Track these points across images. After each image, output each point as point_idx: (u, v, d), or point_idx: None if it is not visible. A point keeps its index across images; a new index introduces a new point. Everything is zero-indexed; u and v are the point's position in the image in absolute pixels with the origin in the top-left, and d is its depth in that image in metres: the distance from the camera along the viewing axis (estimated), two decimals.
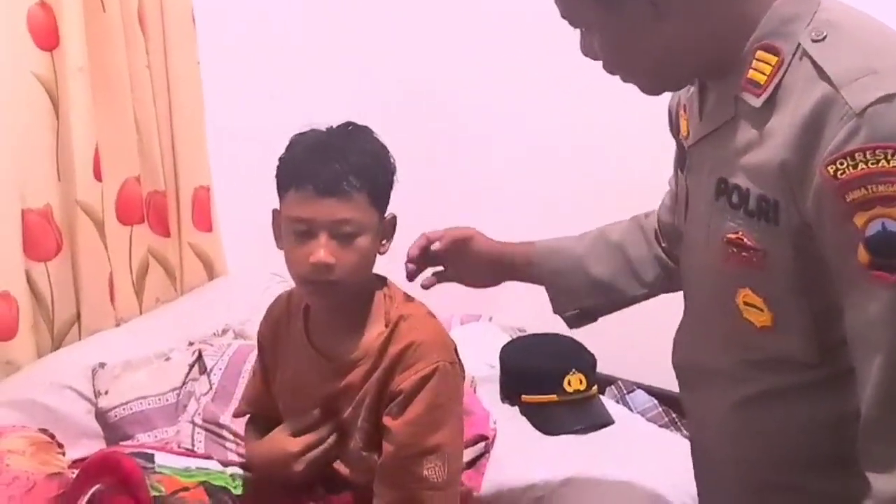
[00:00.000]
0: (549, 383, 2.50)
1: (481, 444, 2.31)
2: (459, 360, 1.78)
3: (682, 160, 1.38)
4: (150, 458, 1.97)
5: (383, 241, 1.74)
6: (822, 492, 1.24)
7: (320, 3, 3.38)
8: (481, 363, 2.66)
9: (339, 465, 1.79)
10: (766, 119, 1.16)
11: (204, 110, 3.00)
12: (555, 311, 1.83)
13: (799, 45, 1.15)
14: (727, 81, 1.23)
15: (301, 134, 1.71)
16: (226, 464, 2.12)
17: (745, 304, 1.24)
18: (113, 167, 2.75)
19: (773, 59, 1.16)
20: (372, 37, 3.45)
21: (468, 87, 3.26)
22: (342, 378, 1.74)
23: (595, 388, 2.55)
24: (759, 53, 1.18)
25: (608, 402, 2.59)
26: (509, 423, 2.47)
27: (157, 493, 1.81)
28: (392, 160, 1.72)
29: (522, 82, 3.13)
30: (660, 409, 2.65)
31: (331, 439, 1.77)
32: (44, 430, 2.22)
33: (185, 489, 1.87)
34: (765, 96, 1.16)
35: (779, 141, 1.13)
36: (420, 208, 3.02)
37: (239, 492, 1.92)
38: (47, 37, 2.56)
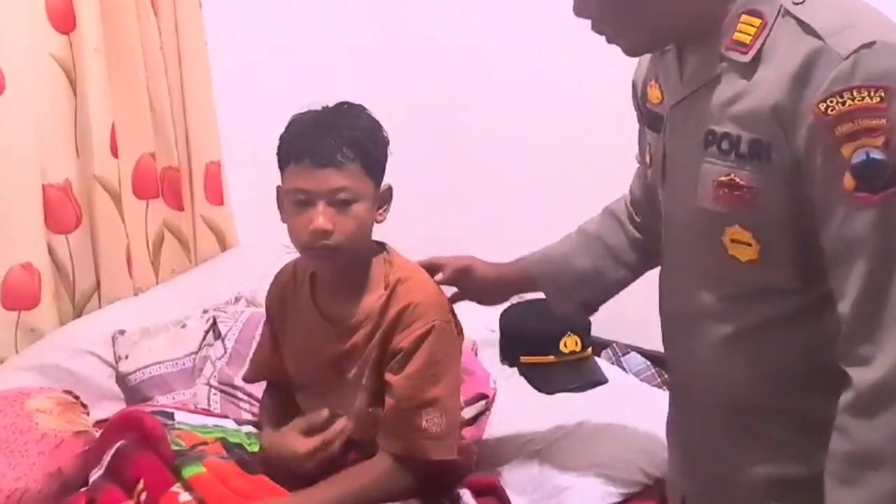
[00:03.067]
0: (546, 345, 2.60)
1: (482, 402, 2.40)
2: (456, 319, 1.88)
3: (655, 125, 1.49)
4: (171, 416, 2.06)
5: (380, 210, 1.84)
6: (805, 411, 1.35)
7: None
8: (482, 327, 2.74)
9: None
10: (754, 71, 1.28)
11: (212, 89, 3.08)
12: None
13: (781, 6, 1.27)
14: (710, 44, 1.34)
15: (299, 113, 1.81)
16: (241, 423, 2.20)
17: (732, 241, 1.34)
18: (129, 144, 2.85)
19: (757, 22, 1.29)
20: (378, 15, 3.51)
21: (479, 81, 3.30)
22: (347, 340, 1.85)
23: (590, 349, 2.65)
24: (744, 17, 1.30)
25: (603, 364, 2.67)
26: (508, 383, 2.57)
27: (177, 448, 1.90)
28: (385, 134, 1.82)
29: (530, 82, 3.17)
30: (653, 370, 2.72)
31: (342, 437, 1.85)
32: (68, 392, 2.32)
33: (204, 443, 1.95)
34: (752, 53, 1.29)
35: (769, 88, 1.26)
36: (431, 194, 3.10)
37: (254, 449, 2.00)
38: (64, 20, 2.65)
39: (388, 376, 1.80)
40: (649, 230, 1.74)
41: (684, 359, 1.54)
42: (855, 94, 1.18)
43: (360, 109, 1.83)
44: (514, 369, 2.65)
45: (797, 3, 1.26)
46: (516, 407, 2.43)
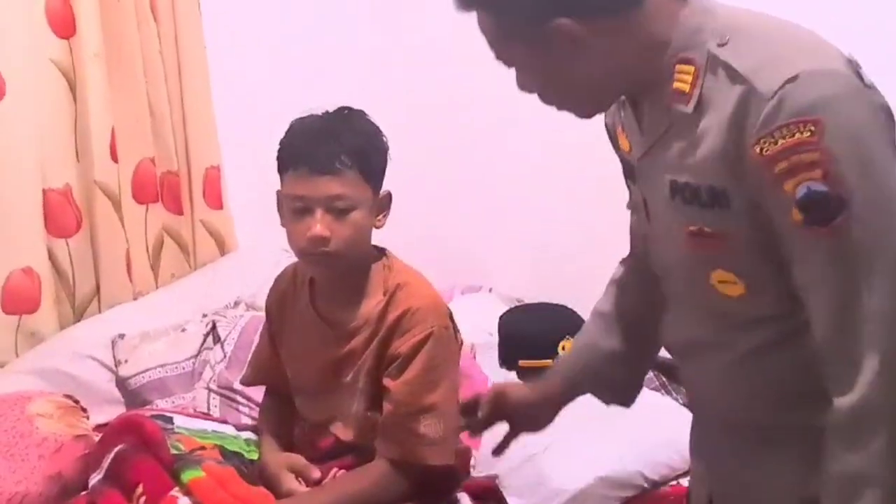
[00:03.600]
0: (545, 348, 2.58)
1: None
2: (455, 325, 1.88)
3: (631, 174, 1.50)
4: (170, 420, 2.06)
5: (379, 216, 1.84)
6: (810, 425, 1.33)
7: None
8: (481, 331, 2.75)
9: (341, 431, 1.88)
10: (699, 122, 1.29)
11: (211, 94, 3.10)
12: (608, 404, 1.82)
13: (707, 51, 1.28)
14: (656, 95, 1.35)
15: (299, 119, 1.81)
16: (240, 427, 2.21)
17: (719, 282, 1.36)
18: (128, 149, 2.86)
19: (691, 69, 1.29)
20: (378, 19, 3.51)
21: (479, 82, 3.26)
22: (345, 344, 1.85)
23: None
24: (678, 66, 1.30)
25: None
26: None
27: (177, 452, 1.90)
28: (384, 140, 1.82)
29: None
30: (651, 373, 2.73)
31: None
32: (68, 396, 2.33)
33: (203, 448, 1.95)
34: (693, 103, 1.29)
35: (713, 136, 1.26)
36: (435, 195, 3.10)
37: (253, 457, 2.00)
38: (65, 25, 2.67)
39: (387, 381, 1.81)
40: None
41: (693, 382, 1.56)
42: (785, 131, 1.18)
43: (359, 115, 1.83)
44: (513, 373, 2.65)
45: (721, 45, 1.27)
46: None
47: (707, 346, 1.44)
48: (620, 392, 1.80)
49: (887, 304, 1.20)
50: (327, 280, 1.88)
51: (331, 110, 1.82)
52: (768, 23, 1.31)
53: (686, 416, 2.32)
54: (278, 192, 1.83)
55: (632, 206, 1.63)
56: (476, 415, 1.76)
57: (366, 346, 1.83)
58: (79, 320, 2.79)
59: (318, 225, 1.73)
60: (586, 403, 2.39)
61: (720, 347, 1.42)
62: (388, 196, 1.85)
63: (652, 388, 2.64)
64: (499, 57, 1.37)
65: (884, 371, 1.20)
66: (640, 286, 1.73)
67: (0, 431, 2.10)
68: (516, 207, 3.28)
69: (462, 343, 1.96)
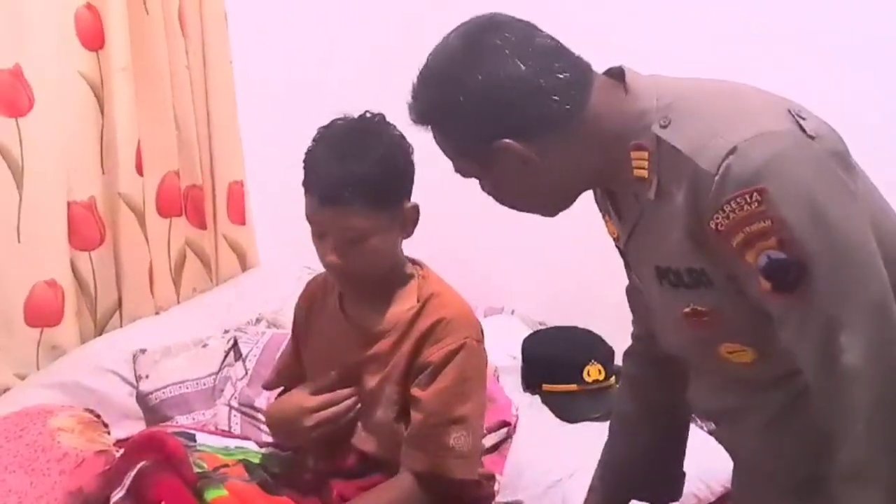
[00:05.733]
0: (570, 373, 2.58)
1: (504, 430, 2.39)
2: (483, 341, 1.85)
3: (624, 259, 1.50)
4: (192, 437, 2.06)
5: (406, 229, 1.79)
6: None
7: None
8: (504, 354, 2.72)
9: (362, 441, 1.86)
10: (663, 206, 1.29)
11: (237, 109, 3.10)
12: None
13: (654, 135, 1.28)
14: (622, 183, 1.35)
15: (325, 127, 1.77)
16: (262, 445, 2.20)
17: (729, 353, 1.36)
18: (154, 162, 2.86)
19: (645, 154, 1.30)
20: (401, 31, 3.50)
21: None
22: (369, 347, 1.82)
23: (613, 378, 2.60)
24: (633, 153, 1.31)
25: None
26: (530, 411, 2.55)
27: (199, 470, 1.88)
28: (407, 152, 1.76)
29: None
30: None
31: (346, 403, 1.83)
32: (89, 410, 2.32)
33: (226, 466, 1.94)
34: (654, 188, 1.29)
35: (677, 220, 1.27)
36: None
37: (276, 470, 1.98)
38: (93, 38, 2.67)
39: (415, 391, 1.77)
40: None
41: (729, 443, 1.55)
42: (734, 204, 1.19)
43: (380, 129, 1.77)
44: (536, 397, 2.63)
45: (664, 127, 1.27)
46: (538, 435, 2.42)
47: (737, 410, 1.44)
48: (668, 486, 1.78)
49: (861, 361, 1.19)
50: (353, 291, 1.86)
51: (355, 117, 1.77)
52: (706, 91, 1.32)
53: (712, 445, 2.30)
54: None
55: (631, 287, 1.64)
56: None
57: (392, 351, 1.80)
58: (100, 334, 2.79)
59: (331, 255, 1.72)
60: None
61: (751, 410, 1.42)
62: (415, 209, 1.79)
63: None
64: (456, 170, 1.40)
65: (867, 429, 1.20)
66: (655, 374, 1.71)
67: (21, 445, 2.09)
68: (540, 229, 3.24)
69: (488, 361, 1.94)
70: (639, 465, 1.74)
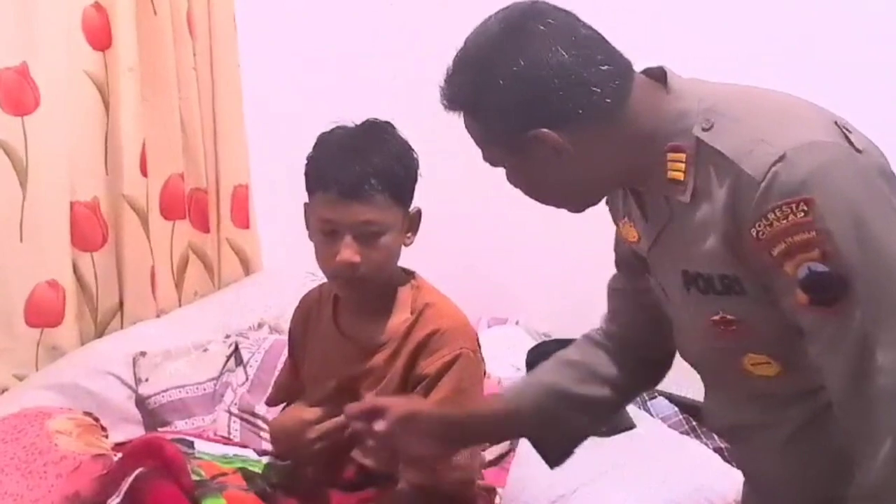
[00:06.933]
0: None
1: (506, 443, 2.36)
2: (480, 350, 1.84)
3: (644, 266, 1.44)
4: (191, 444, 2.07)
5: (408, 234, 1.79)
6: None
7: (355, 5, 3.42)
8: (507, 365, 2.70)
9: (365, 459, 1.83)
10: (698, 210, 1.26)
11: (243, 113, 3.08)
12: (552, 466, 1.69)
13: (695, 137, 1.25)
14: (653, 185, 1.32)
15: (327, 133, 1.77)
16: (260, 453, 2.19)
17: (753, 364, 1.33)
18: (158, 164, 2.84)
19: (682, 156, 1.27)
20: (412, 38, 3.49)
21: None
22: (366, 361, 1.81)
23: None
24: (670, 155, 1.28)
25: (630, 408, 2.63)
26: None
27: (197, 478, 1.88)
28: (414, 157, 1.78)
29: None
30: (680, 416, 2.68)
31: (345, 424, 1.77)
32: (88, 414, 2.31)
33: (224, 474, 1.94)
34: (689, 192, 1.27)
35: (714, 225, 1.24)
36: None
37: (275, 480, 1.97)
38: (101, 37, 2.66)
39: None
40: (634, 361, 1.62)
41: (744, 461, 1.53)
42: (778, 213, 1.16)
43: (388, 131, 1.78)
44: None
45: (706, 130, 1.24)
46: None
47: (754, 428, 1.41)
48: (570, 440, 1.68)
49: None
50: (354, 299, 1.85)
51: (358, 123, 1.78)
52: (751, 97, 1.30)
53: (716, 462, 2.28)
54: (306, 206, 1.80)
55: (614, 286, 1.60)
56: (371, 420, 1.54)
57: (388, 364, 1.79)
58: (100, 335, 2.77)
59: (348, 251, 1.70)
60: (616, 447, 2.37)
61: (768, 428, 1.39)
62: (418, 213, 1.81)
63: (682, 432, 2.61)
64: (484, 158, 1.36)
65: (890, 452, 1.17)
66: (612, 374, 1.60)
67: (19, 447, 2.08)
68: (545, 240, 3.24)
69: (485, 370, 1.93)
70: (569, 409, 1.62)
